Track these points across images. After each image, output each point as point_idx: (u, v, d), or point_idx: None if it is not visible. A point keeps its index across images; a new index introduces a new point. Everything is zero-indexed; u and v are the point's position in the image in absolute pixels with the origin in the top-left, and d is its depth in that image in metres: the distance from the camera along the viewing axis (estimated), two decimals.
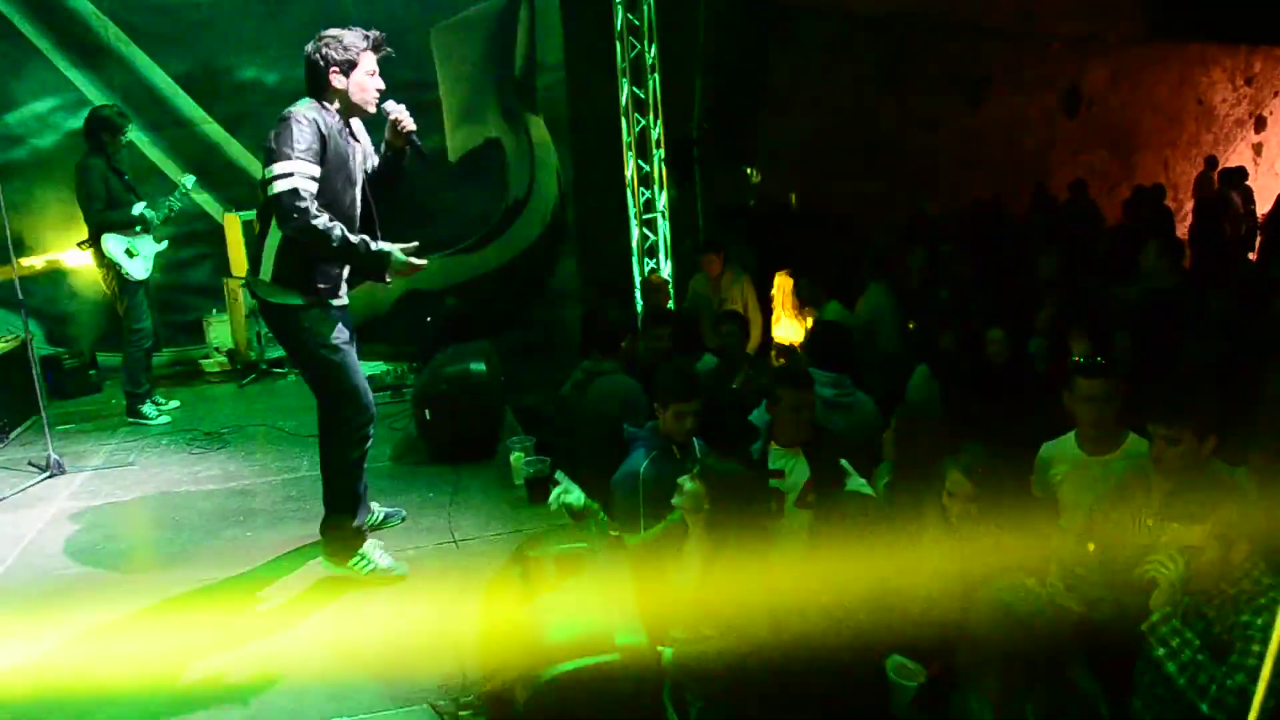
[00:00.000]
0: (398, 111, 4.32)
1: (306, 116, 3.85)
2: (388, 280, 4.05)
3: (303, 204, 3.73)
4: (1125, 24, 16.60)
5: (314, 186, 3.80)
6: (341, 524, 4.16)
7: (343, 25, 8.64)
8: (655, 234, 9.49)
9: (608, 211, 9.57)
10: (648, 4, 9.33)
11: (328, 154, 3.90)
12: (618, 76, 9.38)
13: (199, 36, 8.51)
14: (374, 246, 3.93)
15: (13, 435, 6.44)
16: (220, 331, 8.05)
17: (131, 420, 6.75)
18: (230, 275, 7.88)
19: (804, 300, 7.32)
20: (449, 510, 4.96)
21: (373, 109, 4.18)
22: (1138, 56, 16.33)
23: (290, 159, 3.74)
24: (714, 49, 10.37)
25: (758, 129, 11.09)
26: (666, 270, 9.53)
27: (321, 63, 4.06)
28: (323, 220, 3.79)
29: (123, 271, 6.51)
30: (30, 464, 5.84)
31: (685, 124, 10.01)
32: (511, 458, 5.13)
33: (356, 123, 4.27)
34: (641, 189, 9.45)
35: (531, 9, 9.12)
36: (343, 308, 4.18)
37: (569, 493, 3.88)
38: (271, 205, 3.81)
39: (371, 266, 3.96)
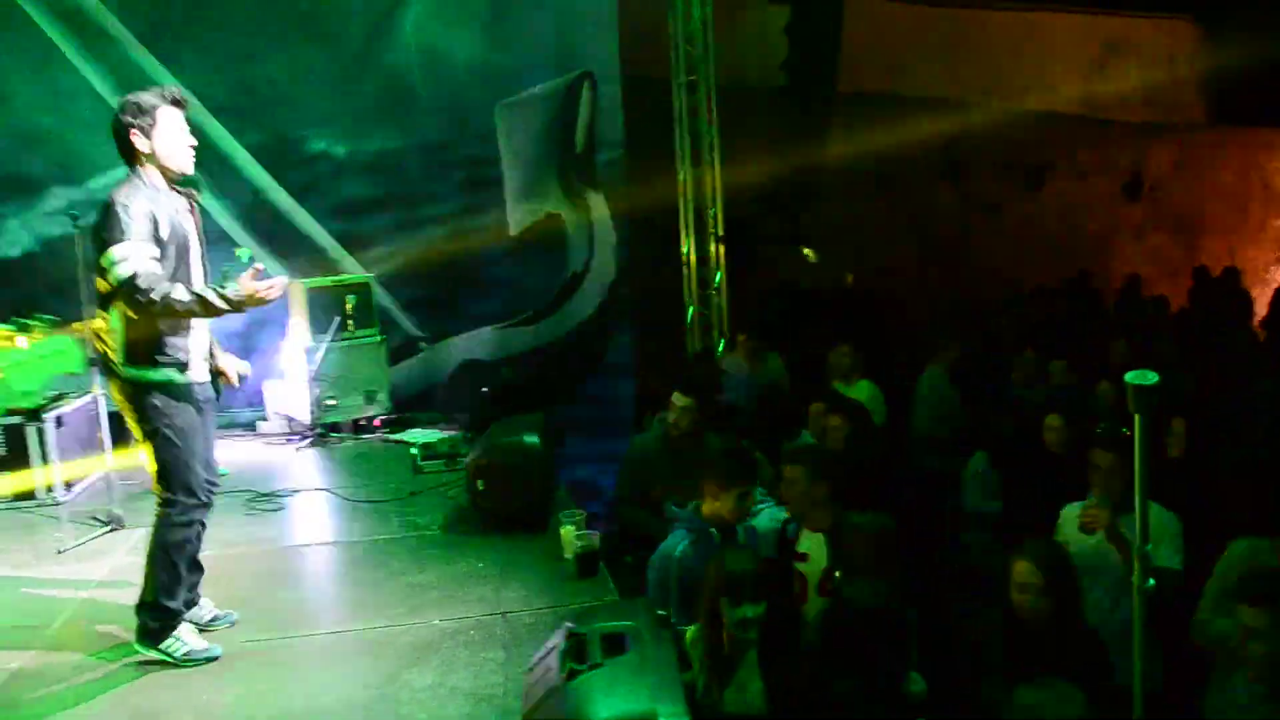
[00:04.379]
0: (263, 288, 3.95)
1: (128, 201, 3.82)
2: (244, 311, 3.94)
3: (145, 283, 3.74)
4: (1187, 110, 16.57)
5: (156, 266, 3.81)
6: (157, 604, 4.05)
7: (412, 101, 8.97)
8: (710, 311, 9.54)
9: (664, 288, 9.66)
10: (707, 86, 9.49)
11: (159, 232, 3.88)
12: (676, 156, 9.53)
13: (274, 110, 8.81)
14: (214, 293, 3.84)
15: (78, 488, 6.57)
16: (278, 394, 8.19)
17: None
18: (292, 341, 8.03)
19: (836, 369, 7.30)
20: (497, 582, 4.96)
21: (189, 168, 4.04)
22: (1200, 141, 16.23)
23: (125, 242, 3.75)
24: (772, 132, 10.52)
25: (815, 211, 11.18)
26: (722, 347, 9.56)
27: (121, 127, 3.93)
28: (166, 289, 3.77)
29: None
30: (93, 518, 5.94)
31: (743, 205, 10.12)
32: (562, 531, 5.13)
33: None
34: (698, 267, 9.54)
35: (594, 88, 9.32)
36: (199, 384, 4.13)
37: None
38: (116, 293, 3.81)
39: (225, 312, 3.88)
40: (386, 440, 7.74)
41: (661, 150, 9.84)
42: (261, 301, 3.93)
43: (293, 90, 8.76)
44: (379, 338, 8.13)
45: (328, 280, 8.22)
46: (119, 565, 5.26)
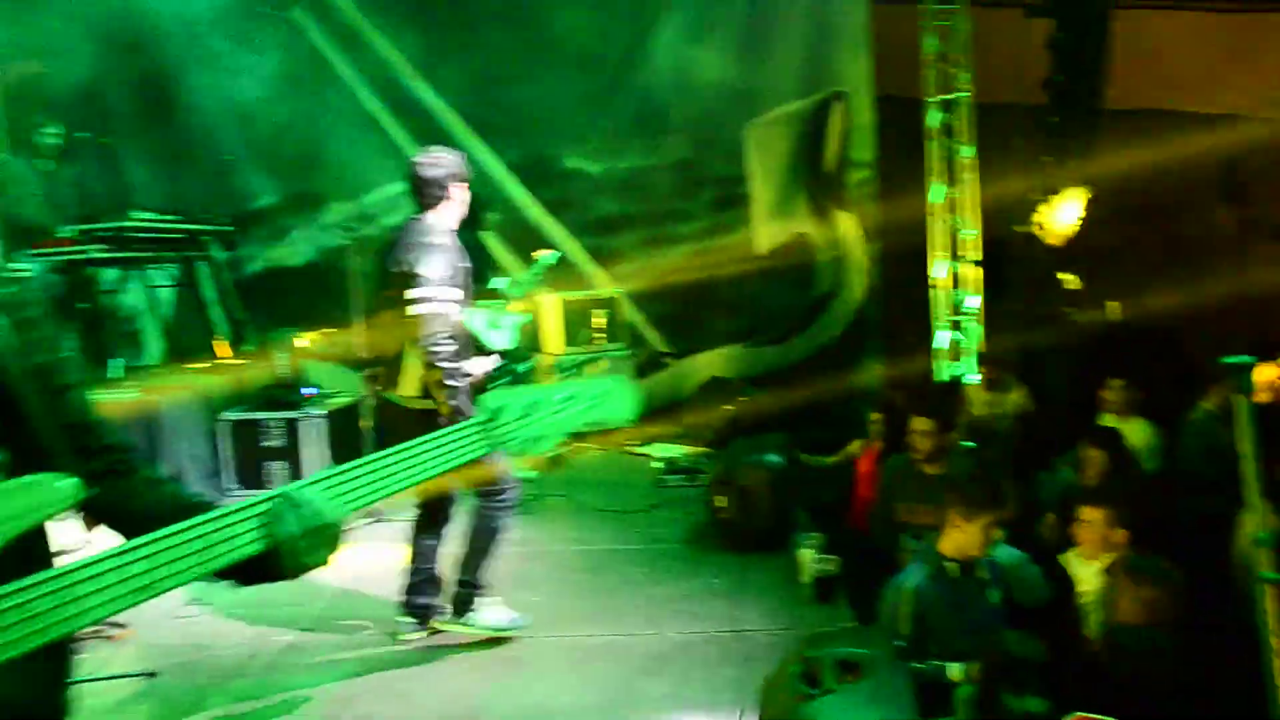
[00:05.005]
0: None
1: (443, 241, 4.20)
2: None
3: (442, 333, 4.08)
4: None
5: (455, 311, 4.15)
6: (473, 581, 4.47)
7: (663, 120, 9.18)
8: (963, 336, 9.22)
9: (914, 311, 9.41)
10: (962, 103, 9.21)
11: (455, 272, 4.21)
12: (928, 176, 9.28)
13: (532, 129, 9.20)
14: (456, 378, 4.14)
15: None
16: None
17: None
18: (540, 351, 8.32)
19: (1110, 404, 6.86)
20: (733, 600, 4.97)
21: (463, 216, 4.46)
22: None
23: (432, 284, 4.09)
24: (1032, 151, 10.08)
25: (1078, 235, 10.62)
26: (973, 376, 9.22)
27: (442, 176, 4.31)
28: (449, 350, 4.09)
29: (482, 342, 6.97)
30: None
31: (998, 227, 9.73)
32: (800, 553, 5.09)
33: None
34: (950, 291, 9.24)
35: (845, 107, 9.23)
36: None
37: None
38: (415, 324, 4.10)
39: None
40: (630, 453, 7.90)
41: (913, 170, 9.60)
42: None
43: (550, 110, 9.12)
44: (626, 351, 8.33)
45: (578, 294, 8.50)
46: (379, 554, 5.60)
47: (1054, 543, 4.78)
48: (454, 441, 1.67)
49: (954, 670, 3.46)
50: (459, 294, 4.21)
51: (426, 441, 1.64)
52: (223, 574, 1.49)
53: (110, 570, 1.37)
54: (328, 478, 1.54)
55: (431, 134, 8.86)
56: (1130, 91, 11.72)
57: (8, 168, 7.64)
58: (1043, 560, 4.43)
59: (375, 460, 1.59)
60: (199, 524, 1.44)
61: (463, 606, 4.48)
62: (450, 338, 4.12)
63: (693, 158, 9.36)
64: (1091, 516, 4.40)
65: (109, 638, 4.51)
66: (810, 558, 4.98)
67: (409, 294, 4.10)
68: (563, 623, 4.74)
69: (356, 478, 1.56)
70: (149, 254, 7.51)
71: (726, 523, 5.64)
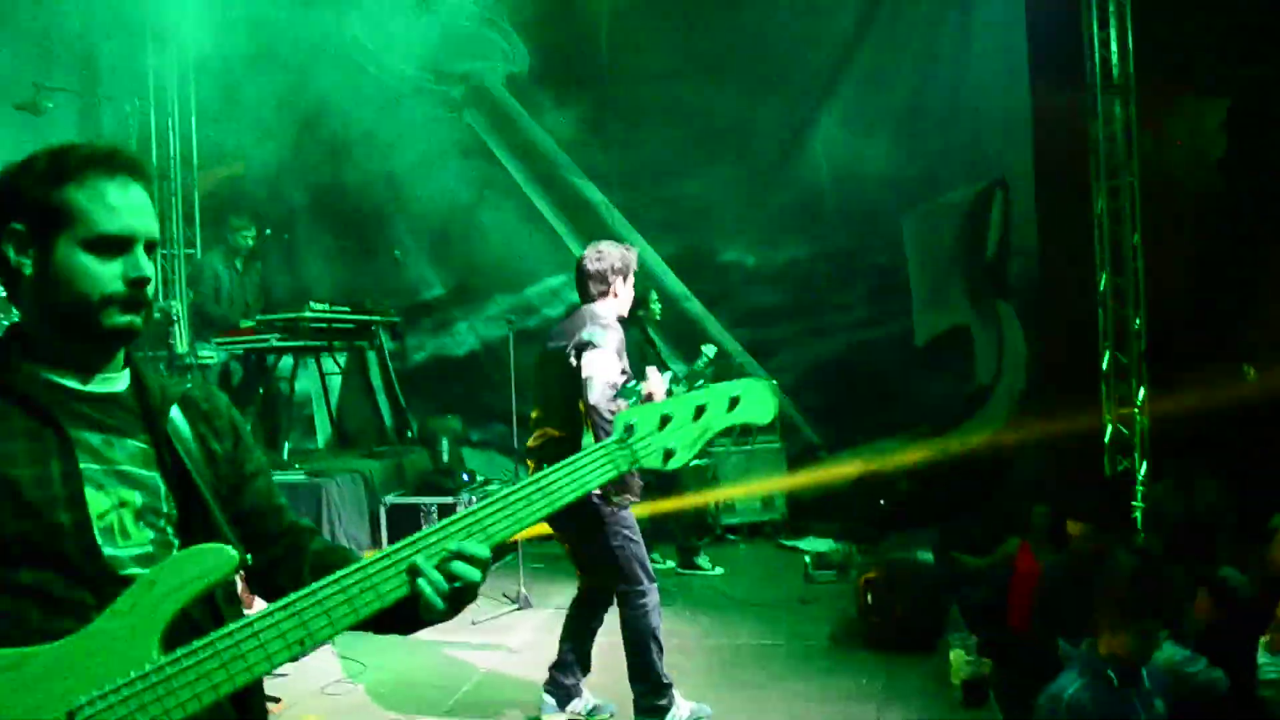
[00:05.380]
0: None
1: (615, 340, 4.34)
2: None
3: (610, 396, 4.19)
4: None
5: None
6: (659, 683, 4.43)
7: (818, 212, 9.19)
8: (1130, 431, 8.81)
9: (1080, 404, 9.05)
10: (1129, 189, 8.93)
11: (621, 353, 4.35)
12: (1096, 264, 8.99)
13: (689, 222, 9.37)
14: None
15: (493, 566, 7.17)
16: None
17: (684, 572, 7.28)
18: None
19: None
20: (879, 702, 4.82)
21: (626, 312, 4.59)
22: None
23: (603, 350, 4.23)
24: (1205, 236, 9.65)
25: (1257, 323, 10.06)
26: (1143, 470, 8.78)
27: (604, 271, 4.47)
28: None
29: None
30: (504, 595, 6.44)
31: (1169, 315, 9.31)
32: (951, 654, 4.91)
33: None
34: (1117, 381, 8.87)
35: (1006, 195, 9.08)
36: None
37: None
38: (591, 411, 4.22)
39: None
40: (781, 546, 7.81)
41: (1079, 258, 9.31)
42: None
43: (708, 204, 9.27)
44: (778, 444, 8.27)
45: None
46: (525, 641, 5.67)
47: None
48: (590, 462, 1.69)
49: None
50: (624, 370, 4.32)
51: (560, 468, 1.68)
52: (372, 625, 1.59)
53: (270, 626, 1.49)
54: (463, 518, 1.61)
55: (591, 227, 9.15)
56: None
57: (202, 266, 8.25)
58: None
59: (511, 493, 1.64)
60: (347, 574, 1.54)
61: (658, 712, 4.46)
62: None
63: (850, 248, 9.33)
64: None
65: None
66: (961, 659, 4.79)
67: (583, 360, 4.26)
68: None
69: (493, 514, 1.62)
70: (321, 343, 7.90)
71: (875, 621, 5.48)
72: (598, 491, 4.18)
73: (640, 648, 4.38)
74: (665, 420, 1.75)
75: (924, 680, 5.04)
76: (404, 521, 7.12)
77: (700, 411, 1.77)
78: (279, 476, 6.78)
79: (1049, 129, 9.23)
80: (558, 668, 4.57)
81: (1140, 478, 8.77)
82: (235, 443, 1.79)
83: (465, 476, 7.30)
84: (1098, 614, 3.99)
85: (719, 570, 7.25)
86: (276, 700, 4.74)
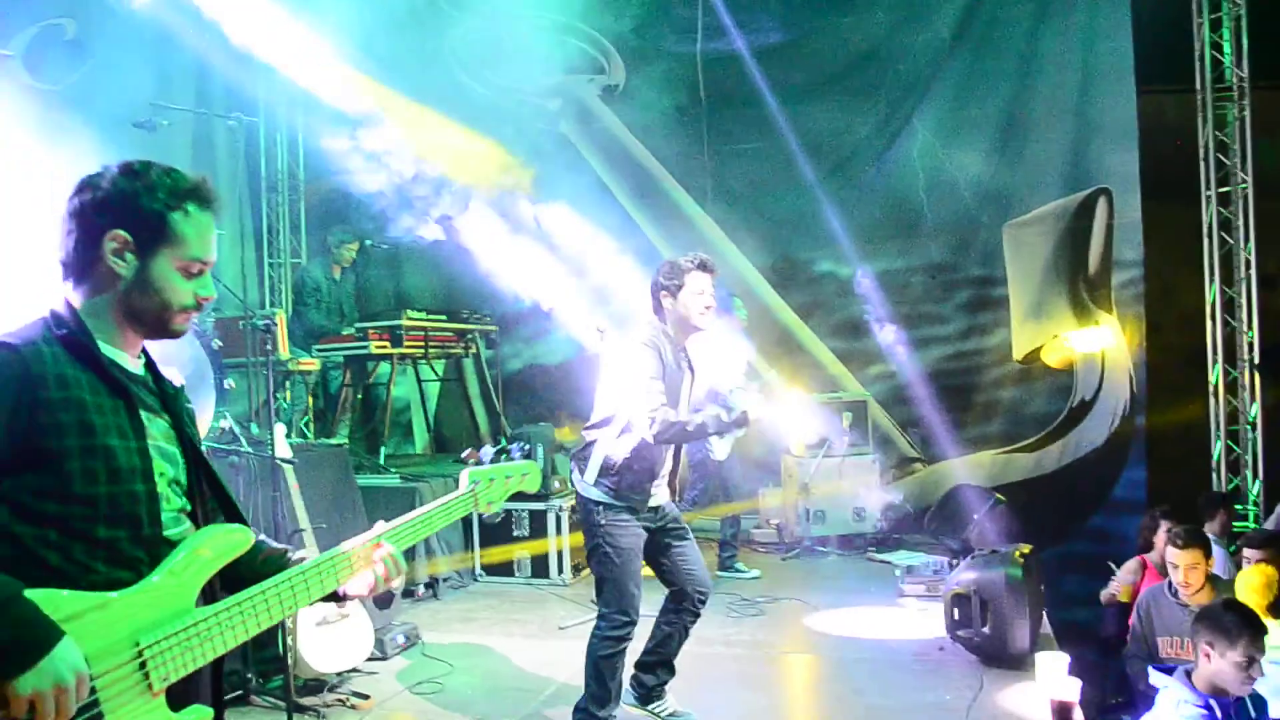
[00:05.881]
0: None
1: (649, 345, 4.27)
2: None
3: (654, 420, 4.13)
4: None
5: (659, 400, 4.19)
6: (587, 712, 4.30)
7: (914, 223, 9.09)
8: (1241, 448, 8.51)
9: (1186, 419, 8.78)
10: (1241, 197, 8.64)
11: (664, 374, 4.25)
12: (1205, 276, 8.71)
13: (785, 234, 9.36)
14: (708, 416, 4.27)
15: (583, 571, 7.26)
16: (772, 504, 8.50)
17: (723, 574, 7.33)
18: (789, 453, 8.29)
19: None
20: (966, 716, 4.75)
21: (704, 327, 4.43)
22: None
23: (638, 387, 4.19)
24: None
25: None
26: (1256, 489, 8.48)
27: (654, 285, 4.45)
28: (666, 414, 4.15)
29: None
30: (591, 601, 6.49)
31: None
32: (1039, 672, 4.81)
33: (699, 358, 4.64)
34: (1228, 397, 8.58)
35: (1109, 204, 8.85)
36: (647, 515, 4.38)
37: None
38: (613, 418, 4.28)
39: (727, 427, 4.27)
40: (872, 559, 7.74)
41: (1187, 269, 9.04)
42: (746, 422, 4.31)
43: (803, 215, 9.23)
44: (872, 455, 8.20)
45: (826, 396, 8.47)
46: None
47: None
48: (457, 502, 2.41)
49: None
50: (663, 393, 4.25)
51: (442, 502, 2.38)
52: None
53: (274, 590, 2.01)
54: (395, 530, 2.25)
55: (688, 240, 9.19)
56: None
57: (303, 275, 8.52)
58: None
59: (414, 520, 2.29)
60: (326, 557, 2.14)
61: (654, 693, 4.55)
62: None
63: (947, 259, 9.21)
64: None
65: (353, 706, 4.82)
66: (1050, 678, 4.69)
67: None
68: None
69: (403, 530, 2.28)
70: (420, 350, 8.09)
71: (962, 637, 5.40)
72: (596, 498, 4.30)
73: (588, 668, 4.35)
74: (492, 481, 2.50)
75: (1014, 697, 4.95)
76: (495, 526, 7.28)
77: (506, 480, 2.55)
78: (377, 481, 7.01)
79: (1156, 135, 8.99)
80: (640, 666, 4.59)
81: (1253, 496, 8.48)
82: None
83: (556, 484, 7.39)
84: (1196, 640, 3.88)
85: (756, 573, 7.32)
86: (366, 697, 4.88)
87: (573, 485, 4.58)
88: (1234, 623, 3.85)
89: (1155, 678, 4.08)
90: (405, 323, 7.86)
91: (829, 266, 9.39)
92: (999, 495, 7.86)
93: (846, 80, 9.29)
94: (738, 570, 7.41)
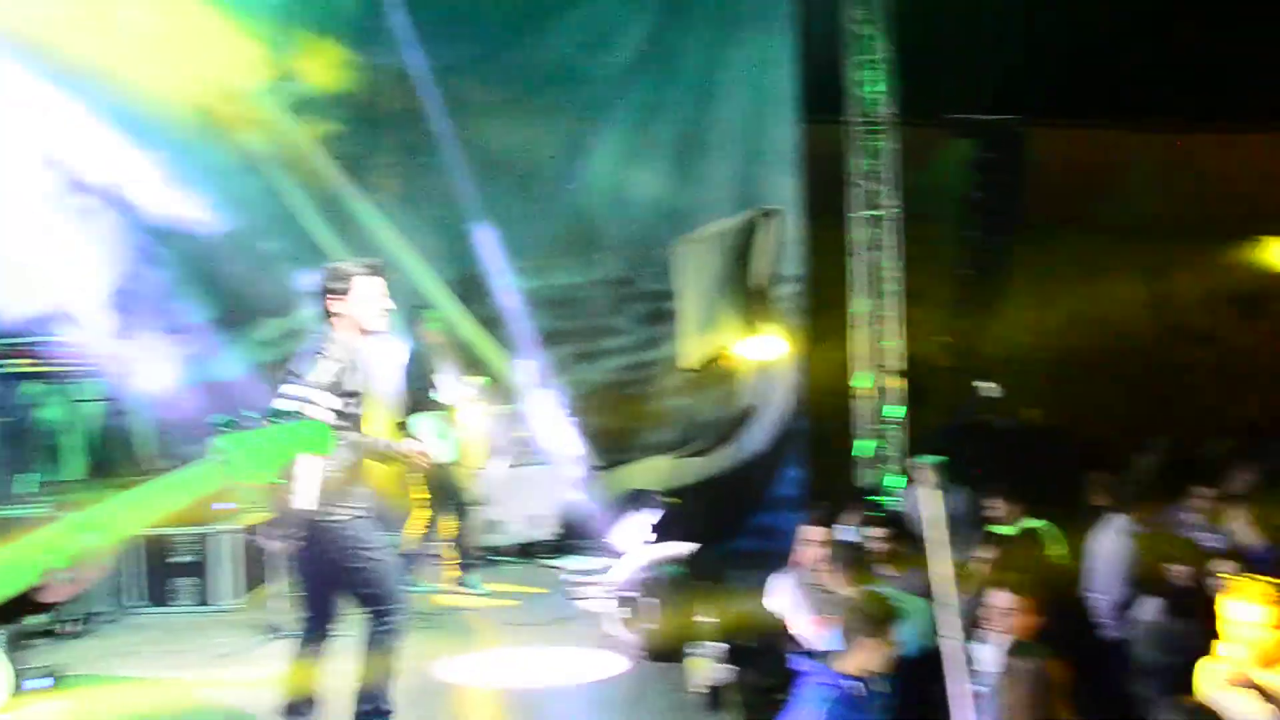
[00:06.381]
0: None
1: (321, 351, 4.27)
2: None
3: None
4: None
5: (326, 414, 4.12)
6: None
7: (596, 238, 9.36)
8: (887, 445, 9.37)
9: (839, 422, 9.55)
10: (886, 219, 9.52)
11: (340, 379, 4.25)
12: (854, 290, 9.53)
13: (466, 247, 9.41)
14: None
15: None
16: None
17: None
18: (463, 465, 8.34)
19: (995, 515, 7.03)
20: (627, 711, 4.98)
21: (379, 328, 4.48)
22: None
23: (308, 388, 4.16)
24: (956, 264, 10.40)
25: (1001, 345, 10.88)
26: (900, 483, 9.33)
27: (320, 290, 4.45)
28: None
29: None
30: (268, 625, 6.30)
31: (922, 337, 9.97)
32: (692, 663, 5.13)
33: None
34: (875, 400, 9.42)
35: (773, 223, 9.44)
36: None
37: None
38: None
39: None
40: (544, 565, 7.92)
41: (840, 284, 9.86)
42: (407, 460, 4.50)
43: (486, 229, 9.32)
44: (549, 464, 8.40)
45: (507, 407, 8.60)
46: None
47: None
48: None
49: None
50: (337, 401, 4.22)
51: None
52: None
53: None
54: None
55: (366, 251, 9.05)
56: (1051, 206, 12.14)
57: None
58: None
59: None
60: None
61: None
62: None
63: (625, 274, 9.56)
64: (998, 601, 4.66)
65: None
66: (702, 667, 5.01)
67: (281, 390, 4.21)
68: None
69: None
70: (73, 368, 7.55)
71: (627, 633, 5.66)
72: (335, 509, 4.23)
73: (375, 667, 4.33)
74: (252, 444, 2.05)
75: (669, 688, 5.24)
76: (154, 553, 6.92)
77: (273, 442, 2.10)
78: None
79: (814, 160, 9.74)
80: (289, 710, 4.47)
81: (898, 490, 9.30)
82: None
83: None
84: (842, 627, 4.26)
85: (487, 590, 7.32)
86: None
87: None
88: (875, 610, 4.26)
89: (798, 661, 4.44)
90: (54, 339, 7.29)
91: (511, 280, 9.52)
92: (672, 498, 8.22)
93: (533, 99, 9.47)
94: (470, 587, 7.36)
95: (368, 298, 4.40)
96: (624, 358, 9.38)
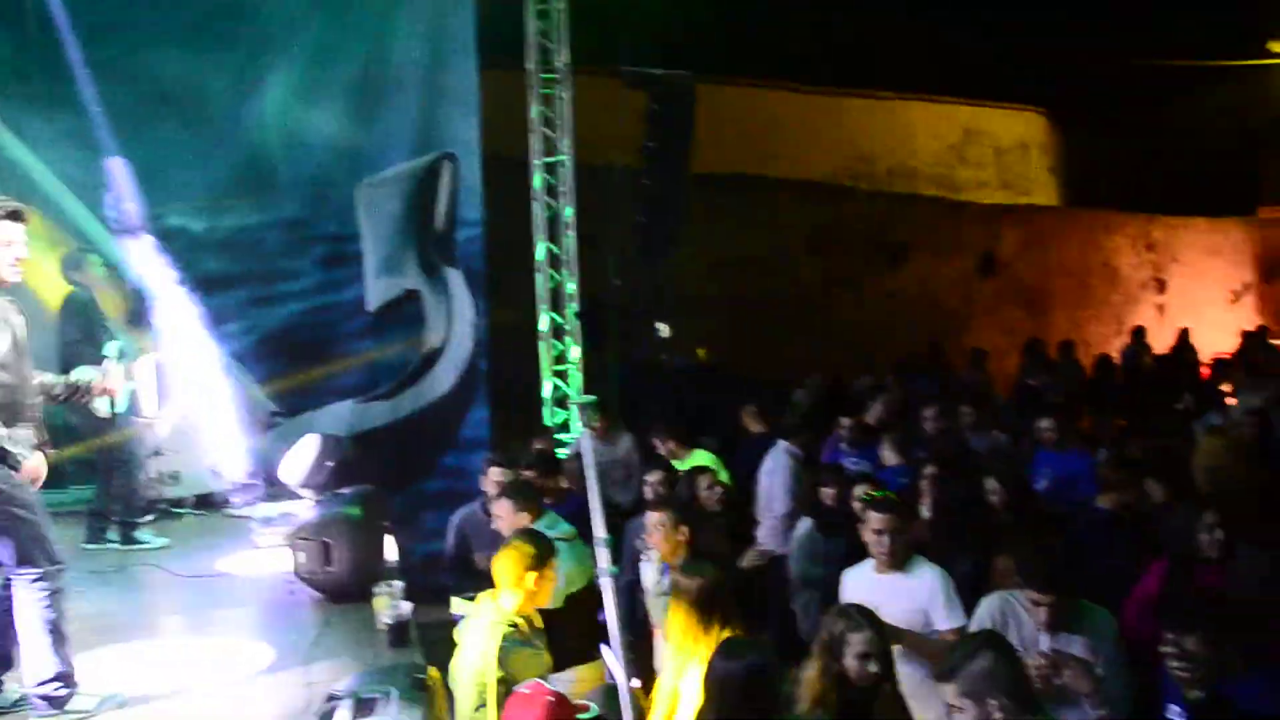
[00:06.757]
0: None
1: None
2: None
3: None
4: (1036, 191, 17.59)
5: None
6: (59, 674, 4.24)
7: (269, 178, 9.12)
8: (567, 385, 9.79)
9: (521, 363, 9.88)
10: (564, 167, 9.85)
11: None
12: (534, 234, 9.82)
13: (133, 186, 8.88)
14: None
15: None
16: None
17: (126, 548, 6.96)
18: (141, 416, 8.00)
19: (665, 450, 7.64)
20: (307, 653, 5.05)
21: (10, 278, 4.19)
22: (1049, 222, 17.25)
23: None
24: (631, 210, 10.91)
25: (674, 287, 11.57)
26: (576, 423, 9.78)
27: None
28: None
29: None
30: None
31: (600, 280, 10.44)
32: (375, 601, 5.27)
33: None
34: (554, 342, 9.80)
35: (454, 167, 9.54)
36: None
37: None
38: None
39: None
40: (227, 515, 7.79)
41: (521, 228, 10.14)
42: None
43: (150, 167, 8.83)
44: (226, 411, 8.18)
45: (178, 355, 8.27)
46: None
47: None
48: None
49: None
50: None
51: None
52: None
53: None
54: None
55: (20, 194, 8.37)
56: (721, 158, 12.97)
57: None
58: None
59: None
60: None
61: (58, 702, 4.21)
62: None
63: (302, 216, 9.34)
64: (654, 521, 5.22)
65: None
66: (385, 604, 5.17)
67: None
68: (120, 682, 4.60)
69: None
70: None
71: (307, 577, 5.72)
72: None
73: (37, 636, 4.14)
74: None
75: (354, 628, 5.34)
76: None
77: None
78: None
79: (494, 106, 9.89)
80: None
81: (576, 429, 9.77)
82: None
83: None
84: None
85: (163, 542, 7.11)
86: None
87: None
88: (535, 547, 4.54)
89: (457, 605, 4.68)
90: None
91: (179, 221, 9.08)
92: (348, 442, 8.25)
93: (203, 30, 9.00)
94: (142, 542, 7.05)
95: (4, 244, 4.11)
96: (303, 301, 9.18)
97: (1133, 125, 18.81)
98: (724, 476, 7.39)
